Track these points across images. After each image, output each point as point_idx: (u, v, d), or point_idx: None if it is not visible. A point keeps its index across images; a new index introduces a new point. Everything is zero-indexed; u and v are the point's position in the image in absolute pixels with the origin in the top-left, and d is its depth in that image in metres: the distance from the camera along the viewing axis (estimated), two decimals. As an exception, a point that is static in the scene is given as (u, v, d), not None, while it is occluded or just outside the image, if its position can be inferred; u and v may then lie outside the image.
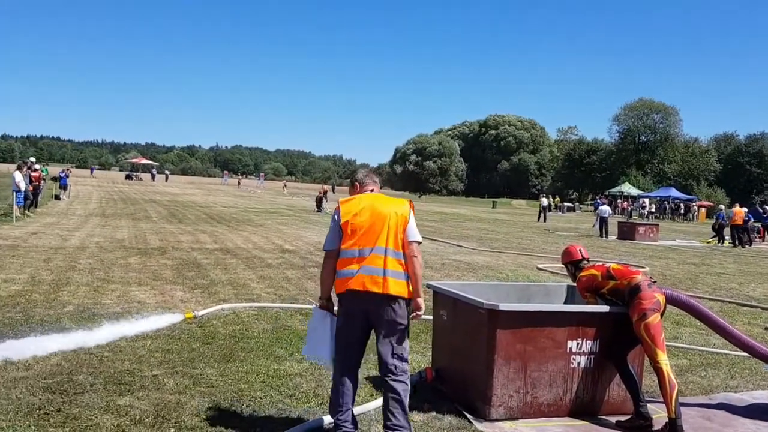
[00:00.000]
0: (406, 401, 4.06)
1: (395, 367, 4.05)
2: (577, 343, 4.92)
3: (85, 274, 9.91)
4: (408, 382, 4.10)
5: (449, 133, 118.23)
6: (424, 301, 4.21)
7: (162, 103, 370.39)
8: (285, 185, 79.31)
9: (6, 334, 6.17)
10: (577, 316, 4.93)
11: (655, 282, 5.05)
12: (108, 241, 14.52)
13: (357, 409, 4.70)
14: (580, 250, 5.53)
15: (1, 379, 4.94)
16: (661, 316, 4.89)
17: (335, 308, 4.27)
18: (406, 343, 4.10)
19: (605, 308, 4.98)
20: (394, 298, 3.99)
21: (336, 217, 4.14)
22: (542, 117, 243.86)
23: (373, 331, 4.15)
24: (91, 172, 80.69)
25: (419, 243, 4.16)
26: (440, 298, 5.40)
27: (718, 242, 27.59)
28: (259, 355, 6.05)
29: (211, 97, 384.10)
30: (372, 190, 4.35)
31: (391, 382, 4.05)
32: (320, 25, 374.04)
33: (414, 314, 4.14)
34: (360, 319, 4.07)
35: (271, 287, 9.76)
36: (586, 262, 5.46)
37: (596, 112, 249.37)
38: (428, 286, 5.76)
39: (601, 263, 5.43)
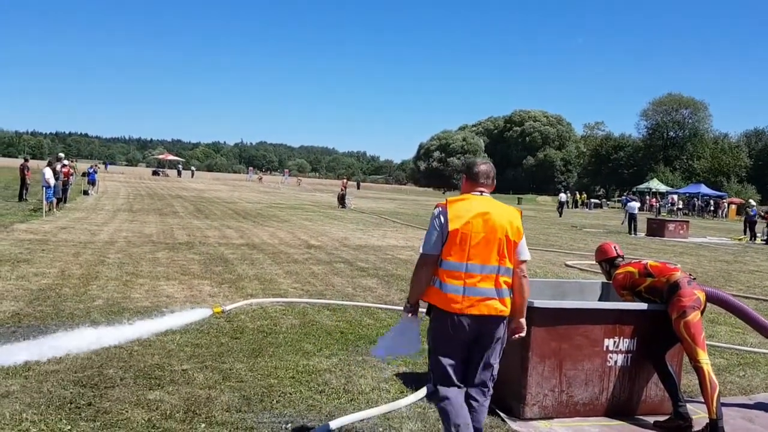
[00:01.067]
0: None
1: (484, 393, 3.64)
2: (614, 342, 4.80)
3: (114, 268, 9.96)
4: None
5: (473, 129, 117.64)
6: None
7: (188, 99, 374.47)
8: (299, 182, 79.91)
9: (37, 328, 6.21)
10: (614, 313, 4.80)
11: (694, 279, 4.90)
12: (136, 236, 14.62)
13: (387, 407, 4.64)
14: (615, 247, 5.40)
15: (33, 372, 4.95)
16: (702, 314, 4.75)
17: (420, 313, 3.77)
18: (497, 365, 3.68)
19: (643, 306, 4.85)
20: (502, 318, 3.58)
21: (442, 219, 3.56)
22: (568, 112, 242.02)
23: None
24: (105, 167, 79.73)
25: (527, 261, 3.70)
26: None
27: (750, 239, 27.09)
28: (288, 351, 6.00)
29: (236, 93, 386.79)
30: (482, 192, 3.72)
31: (477, 406, 3.61)
32: (344, 23, 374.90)
33: (515, 335, 3.74)
34: (465, 341, 3.57)
35: (297, 282, 9.73)
36: (621, 259, 5.32)
37: (623, 108, 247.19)
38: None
39: (637, 260, 5.28)
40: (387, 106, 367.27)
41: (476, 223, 3.52)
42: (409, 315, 3.75)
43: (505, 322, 3.60)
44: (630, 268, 5.06)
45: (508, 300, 3.57)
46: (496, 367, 3.66)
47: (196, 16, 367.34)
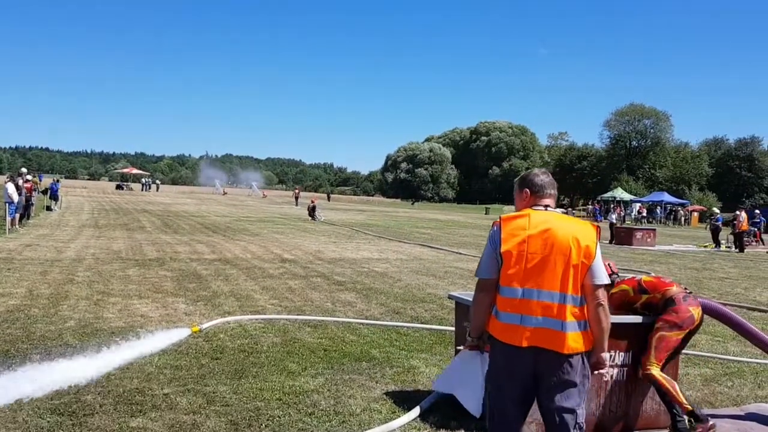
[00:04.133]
0: None
1: None
2: (609, 356, 4.71)
3: (84, 287, 9.64)
4: None
5: (440, 140, 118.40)
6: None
7: (151, 112, 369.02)
8: (264, 195, 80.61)
9: (8, 353, 5.92)
10: (609, 327, 4.72)
11: (690, 293, 4.82)
12: (104, 252, 14.23)
13: (380, 429, 4.50)
14: (609, 264, 5.26)
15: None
16: (695, 331, 4.72)
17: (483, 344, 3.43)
18: (582, 410, 3.12)
19: (638, 319, 4.79)
20: (568, 356, 3.04)
21: (495, 239, 3.15)
22: (532, 123, 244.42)
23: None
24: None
25: (606, 285, 3.17)
26: (464, 309, 5.18)
27: (715, 246, 27.53)
28: (272, 371, 5.81)
29: (201, 105, 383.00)
30: (547, 206, 3.27)
31: None
32: (309, 33, 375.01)
33: (596, 371, 3.25)
34: (521, 378, 3.11)
35: (275, 298, 9.52)
36: (616, 276, 5.16)
37: (587, 118, 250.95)
38: (450, 296, 5.59)
39: (630, 276, 5.19)
40: (353, 118, 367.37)
41: (533, 243, 3.07)
42: (467, 349, 3.42)
43: (578, 360, 3.06)
44: (624, 286, 4.97)
45: (577, 335, 3.04)
46: (579, 413, 3.09)
47: (157, 28, 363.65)
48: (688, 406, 4.49)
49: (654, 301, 4.76)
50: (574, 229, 3.13)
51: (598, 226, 3.27)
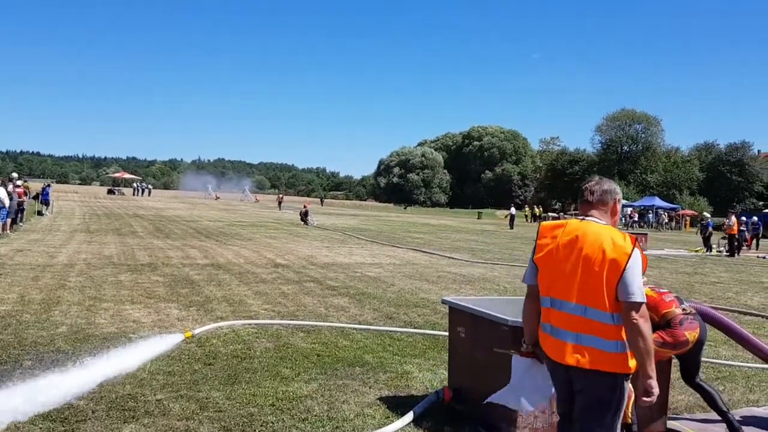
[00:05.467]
0: None
1: None
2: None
3: (76, 292, 9.60)
4: None
5: (433, 144, 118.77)
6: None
7: (143, 116, 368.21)
8: (257, 199, 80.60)
9: (0, 359, 5.90)
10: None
11: (689, 315, 4.76)
12: (96, 257, 14.18)
13: (374, 433, 4.50)
14: None
15: (-3, 407, 4.66)
16: (691, 346, 4.72)
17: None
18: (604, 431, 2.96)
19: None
20: (598, 373, 2.90)
21: (534, 247, 3.19)
22: (525, 128, 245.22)
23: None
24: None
25: (639, 305, 2.86)
26: (457, 314, 5.19)
27: (707, 251, 27.68)
28: (265, 376, 5.80)
29: (193, 109, 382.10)
30: (585, 216, 3.14)
31: None
32: (302, 36, 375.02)
33: (641, 400, 2.98)
34: (561, 390, 3.14)
35: (268, 303, 9.51)
36: None
37: (578, 123, 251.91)
38: (443, 301, 5.59)
39: None
40: (346, 122, 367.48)
41: (562, 252, 3.01)
42: (520, 356, 3.46)
43: (607, 379, 2.91)
44: None
45: (600, 353, 2.89)
46: None
47: (148, 32, 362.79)
48: (629, 420, 4.54)
49: (653, 320, 4.74)
50: (605, 241, 2.95)
51: (636, 238, 3.02)
